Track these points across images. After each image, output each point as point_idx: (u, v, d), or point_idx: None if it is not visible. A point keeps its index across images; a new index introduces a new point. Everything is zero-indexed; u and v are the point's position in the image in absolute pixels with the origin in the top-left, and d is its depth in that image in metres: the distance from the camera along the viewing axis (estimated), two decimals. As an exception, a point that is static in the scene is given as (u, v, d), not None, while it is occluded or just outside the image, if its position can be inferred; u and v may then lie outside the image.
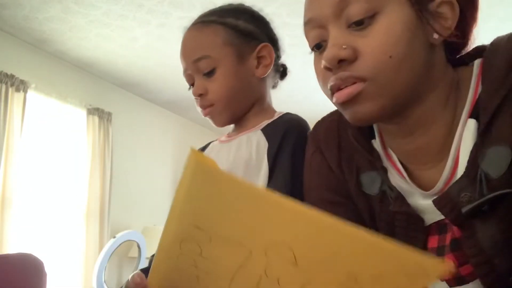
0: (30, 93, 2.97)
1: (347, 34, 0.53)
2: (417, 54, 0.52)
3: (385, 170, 0.61)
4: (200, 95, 0.85)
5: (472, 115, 0.54)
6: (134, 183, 3.83)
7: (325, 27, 0.55)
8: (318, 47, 0.57)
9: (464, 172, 0.53)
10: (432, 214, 0.57)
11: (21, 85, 2.89)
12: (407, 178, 0.59)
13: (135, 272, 0.60)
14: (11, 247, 2.64)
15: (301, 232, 0.40)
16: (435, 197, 0.55)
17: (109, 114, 3.57)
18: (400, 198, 0.59)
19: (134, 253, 3.51)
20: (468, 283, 0.55)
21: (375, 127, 0.64)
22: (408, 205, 0.58)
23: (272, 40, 0.90)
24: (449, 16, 0.53)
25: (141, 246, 3.42)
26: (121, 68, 3.46)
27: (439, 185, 0.56)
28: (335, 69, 0.53)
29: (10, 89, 2.81)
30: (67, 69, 3.35)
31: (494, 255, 0.51)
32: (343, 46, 0.52)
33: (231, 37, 0.84)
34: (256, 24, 0.88)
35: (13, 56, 2.97)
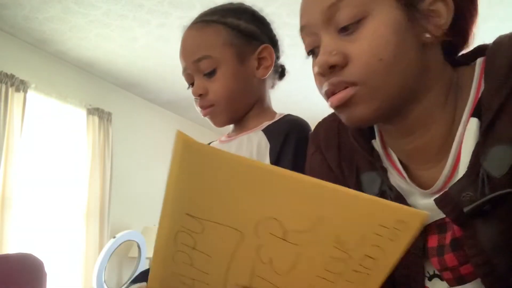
0: (30, 93, 2.98)
1: (338, 40, 0.53)
2: (408, 56, 0.52)
3: (385, 170, 0.61)
4: (200, 95, 0.85)
5: (474, 114, 0.53)
6: (134, 183, 3.83)
7: (317, 33, 0.56)
8: (312, 52, 0.58)
9: (466, 172, 0.52)
10: (431, 214, 0.57)
11: (21, 85, 2.89)
12: (406, 178, 0.59)
13: (137, 286, 0.60)
14: (11, 247, 2.64)
15: (287, 199, 0.41)
16: (434, 196, 0.55)
17: (109, 114, 3.57)
18: (400, 198, 0.59)
19: (134, 253, 3.51)
20: (468, 282, 0.55)
21: (375, 127, 0.64)
22: (407, 205, 0.58)
23: (272, 41, 0.90)
24: (443, 13, 0.53)
25: (141, 246, 3.42)
26: (121, 68, 3.46)
27: (439, 183, 0.56)
28: (328, 75, 0.54)
29: (10, 89, 2.81)
30: (67, 69, 3.35)
31: (494, 255, 0.51)
32: (333, 52, 0.53)
33: (233, 38, 0.84)
34: (257, 24, 0.88)
35: (13, 56, 2.97)
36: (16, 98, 2.85)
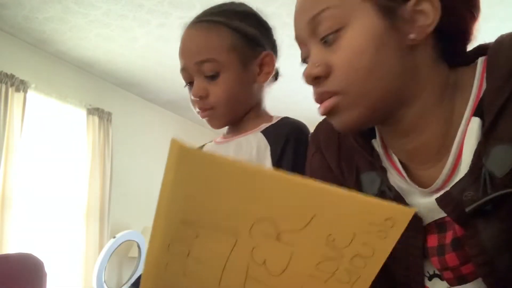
0: (30, 93, 2.98)
1: (323, 51, 0.55)
2: (388, 61, 0.53)
3: (384, 170, 0.61)
4: (200, 97, 0.84)
5: (476, 113, 0.53)
6: (134, 183, 3.83)
7: (306, 44, 0.58)
8: (305, 62, 0.60)
9: (468, 171, 0.52)
10: (431, 213, 0.57)
11: (21, 85, 2.89)
12: (406, 177, 0.59)
13: None
14: (11, 247, 2.64)
15: (281, 201, 0.42)
16: (434, 195, 0.55)
17: (109, 114, 3.57)
18: (399, 198, 0.59)
19: (134, 253, 3.52)
20: (469, 282, 0.55)
21: (375, 126, 0.64)
22: (407, 205, 0.58)
23: (273, 46, 0.91)
24: (429, 12, 0.53)
25: (141, 246, 3.42)
26: (121, 68, 3.46)
27: (438, 182, 0.56)
28: (314, 85, 0.57)
29: (10, 89, 2.82)
30: (67, 69, 3.35)
31: (496, 254, 0.51)
32: (316, 64, 0.55)
33: (238, 42, 0.84)
34: (260, 29, 0.88)
35: (13, 56, 2.97)
36: (16, 98, 2.85)
